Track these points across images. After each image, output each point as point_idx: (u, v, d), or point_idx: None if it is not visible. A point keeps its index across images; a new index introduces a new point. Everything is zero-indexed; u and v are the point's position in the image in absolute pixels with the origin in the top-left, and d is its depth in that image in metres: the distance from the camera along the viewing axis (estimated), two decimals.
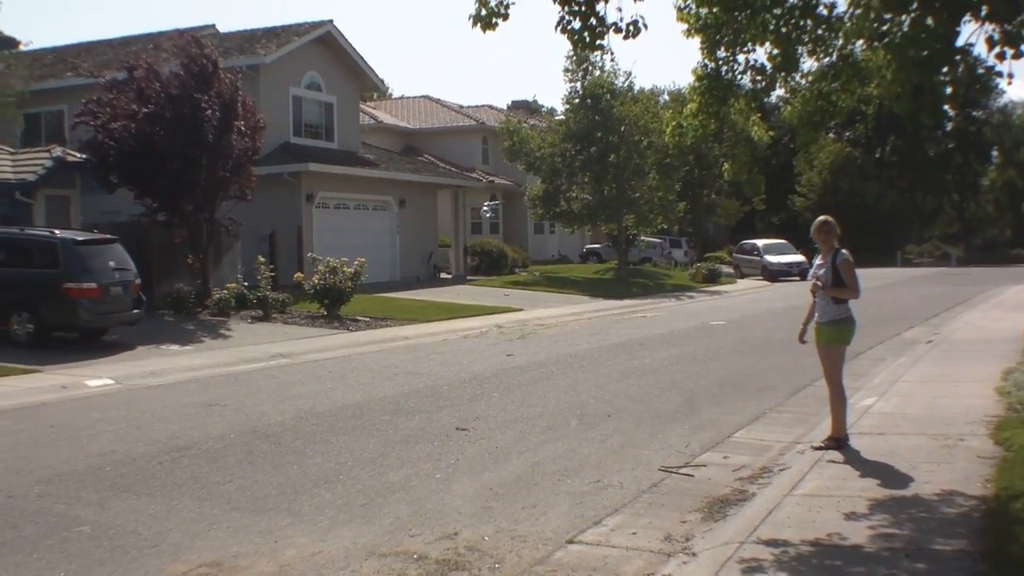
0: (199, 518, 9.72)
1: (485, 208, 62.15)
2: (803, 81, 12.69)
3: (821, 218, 12.47)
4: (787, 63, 11.53)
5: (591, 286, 49.91)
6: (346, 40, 47.01)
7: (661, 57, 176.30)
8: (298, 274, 34.66)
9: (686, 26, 11.96)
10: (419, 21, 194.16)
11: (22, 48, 40.64)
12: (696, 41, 11.80)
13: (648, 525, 9.31)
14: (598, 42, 10.57)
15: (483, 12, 10.56)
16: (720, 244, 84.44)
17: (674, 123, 13.38)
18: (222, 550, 8.69)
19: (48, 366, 20.09)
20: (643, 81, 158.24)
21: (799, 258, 63.01)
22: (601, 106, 54.00)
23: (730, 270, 65.45)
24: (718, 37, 11.61)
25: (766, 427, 14.21)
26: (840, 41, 11.81)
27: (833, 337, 12.24)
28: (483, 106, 74.87)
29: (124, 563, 8.40)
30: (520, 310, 36.48)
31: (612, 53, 14.32)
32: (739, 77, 12.05)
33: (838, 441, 12.06)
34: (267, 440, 13.35)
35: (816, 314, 12.37)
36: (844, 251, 12.14)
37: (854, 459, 11.41)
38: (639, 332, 28.34)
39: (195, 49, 31.87)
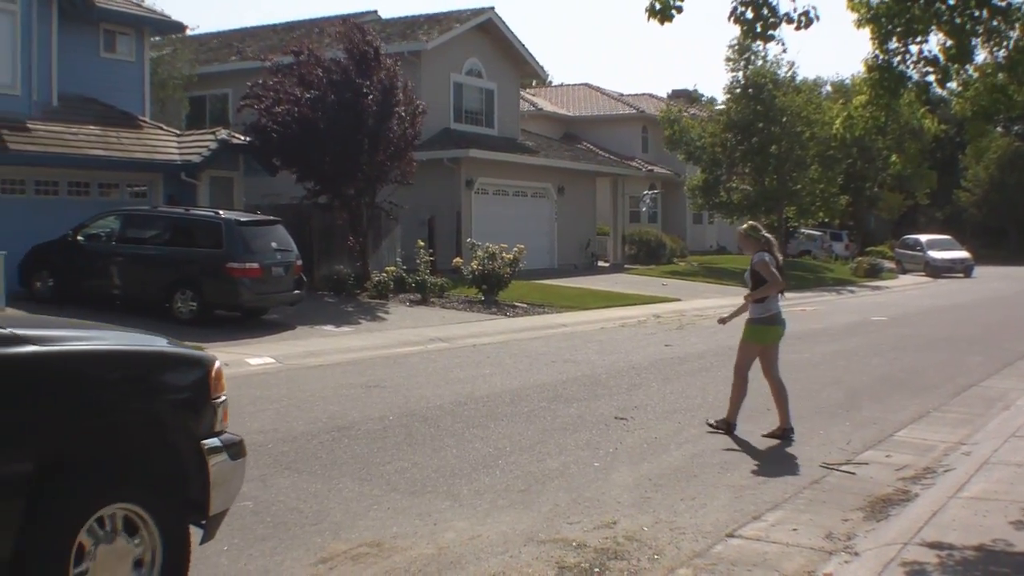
0: (359, 497, 9.84)
1: (644, 197, 61.91)
2: (975, 73, 12.40)
3: (741, 226, 13.84)
4: (961, 55, 11.24)
5: None
6: (507, 27, 47.20)
7: (825, 47, 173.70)
8: (456, 259, 34.92)
9: (856, 16, 11.74)
10: (580, 8, 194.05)
11: (188, 32, 41.48)
12: (866, 31, 11.57)
13: (809, 522, 9.18)
14: (769, 32, 10.44)
15: (658, 5, 10.48)
16: (881, 238, 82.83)
17: (844, 114, 13.17)
18: (382, 530, 8.79)
19: (210, 343, 20.53)
20: (806, 71, 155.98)
21: (963, 254, 61.70)
22: (763, 96, 53.41)
23: (891, 265, 64.21)
24: (890, 27, 11.35)
25: (929, 426, 13.92)
26: (1016, 33, 11.51)
27: (751, 336, 13.38)
28: (643, 94, 74.53)
29: (286, 539, 8.54)
30: (678, 300, 36.30)
31: (783, 44, 14.05)
32: (910, 69, 11.78)
33: (729, 425, 13.15)
34: (426, 423, 13.46)
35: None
36: (764, 253, 13.08)
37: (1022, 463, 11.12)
38: (799, 326, 27.89)
39: (357, 35, 32.24)
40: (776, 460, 11.62)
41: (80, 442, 6.13)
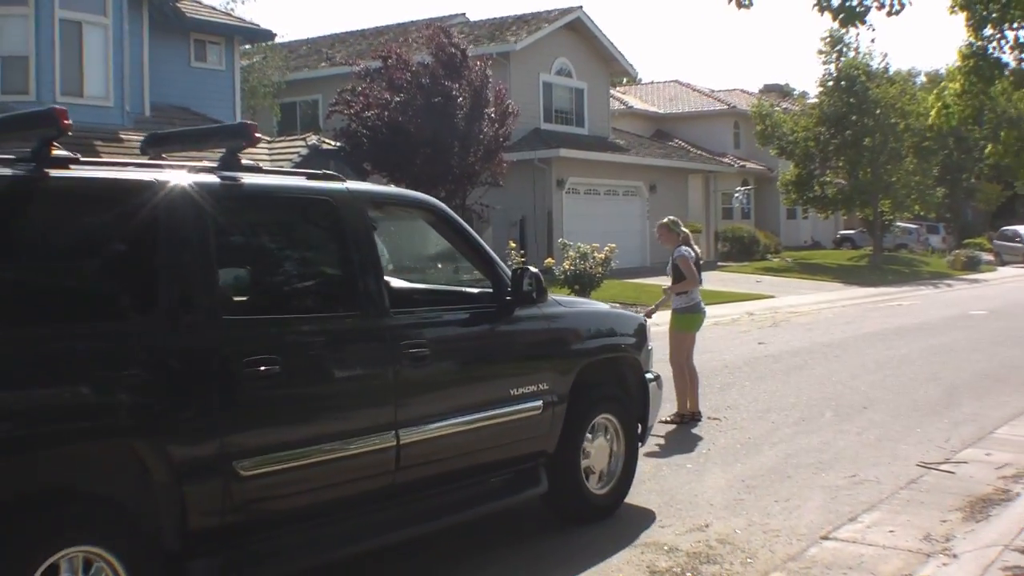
0: None
1: (736, 193, 61.44)
2: None
3: (661, 220, 14.42)
4: None
5: (845, 273, 48.93)
6: (595, 25, 47.10)
7: (918, 37, 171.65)
8: (548, 259, 34.85)
9: (950, 2, 11.54)
10: (669, 4, 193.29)
11: (278, 40, 41.88)
12: (961, 18, 11.36)
13: (906, 523, 8.99)
14: (857, 19, 10.29)
15: None
16: (979, 230, 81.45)
17: (940, 104, 12.94)
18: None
19: None
20: (899, 62, 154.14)
21: None
22: (856, 88, 52.86)
23: (990, 257, 63.15)
24: (985, 13, 11.12)
25: None
26: None
27: (680, 325, 13.90)
28: (734, 90, 74.04)
29: None
30: (772, 297, 35.96)
31: (873, 28, 13.88)
32: (1007, 55, 11.54)
33: (682, 416, 13.55)
34: None
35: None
36: (683, 247, 13.74)
37: None
38: (895, 321, 27.59)
39: (443, 38, 32.34)
40: (872, 460, 11.40)
41: (589, 371, 9.02)
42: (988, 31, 11.36)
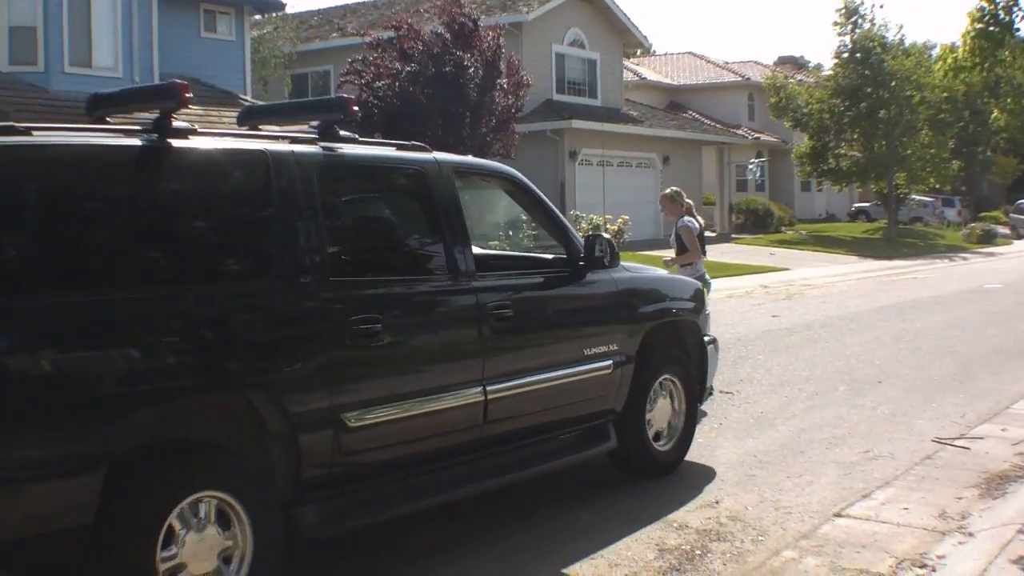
0: None
1: (750, 165, 61.16)
2: None
3: (664, 191, 14.19)
4: None
5: (859, 246, 48.72)
6: None
7: (934, 11, 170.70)
8: None
9: None
10: None
11: (289, 11, 41.67)
12: None
13: (921, 500, 8.80)
14: None
15: None
16: (995, 204, 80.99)
17: (952, 57, 12.68)
18: None
19: None
20: (915, 35, 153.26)
21: None
22: (871, 60, 52.56)
23: (1006, 231, 62.93)
24: None
25: None
26: None
27: None
28: (748, 62, 73.69)
29: None
30: (786, 269, 35.79)
31: None
32: (1018, 20, 11.27)
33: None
34: None
35: None
36: (686, 218, 13.53)
37: None
38: (910, 294, 27.37)
39: (454, 8, 32.08)
40: (887, 435, 11.21)
41: (653, 334, 9.46)
42: None
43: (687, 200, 13.96)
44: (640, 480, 9.38)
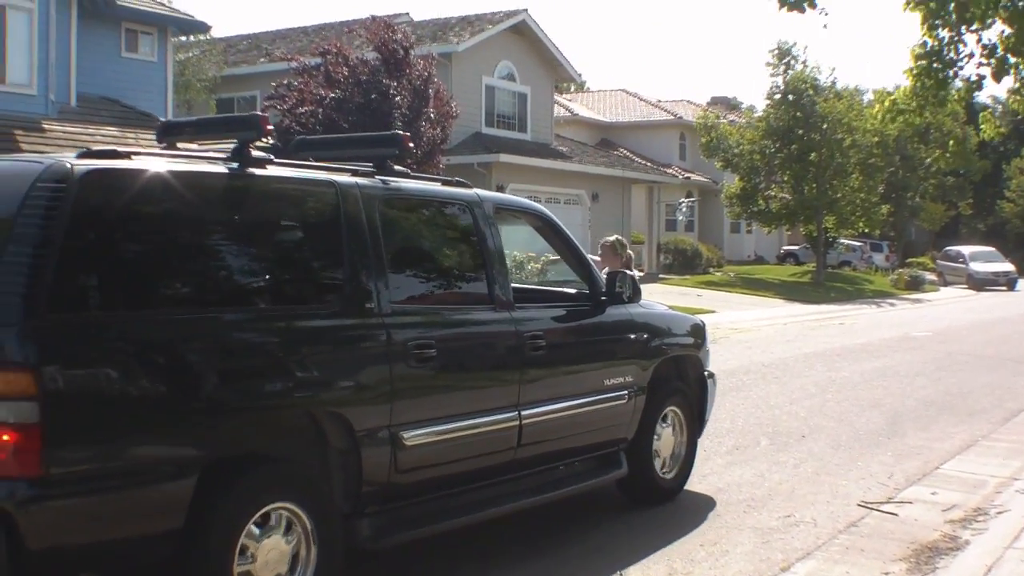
0: None
1: (680, 205, 60.80)
2: None
3: (607, 239, 13.90)
4: (1021, 44, 10.09)
5: (787, 289, 48.37)
6: (541, 29, 46.25)
7: (865, 57, 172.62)
8: None
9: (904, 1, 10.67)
10: (618, 12, 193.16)
11: (219, 35, 40.90)
12: (916, 17, 10.45)
13: (844, 575, 8.07)
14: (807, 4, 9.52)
15: None
16: (923, 249, 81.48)
17: (889, 100, 12.09)
18: None
19: None
20: (847, 80, 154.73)
21: (1008, 267, 60.58)
22: (803, 102, 52.32)
23: (933, 277, 63.03)
24: (942, 12, 10.21)
25: (979, 458, 12.69)
26: None
27: None
28: (681, 101, 73.56)
29: None
30: (712, 312, 35.15)
31: (827, 13, 12.91)
32: (962, 59, 10.64)
33: None
34: None
35: None
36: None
37: None
38: (837, 341, 26.80)
39: (387, 34, 31.37)
40: (810, 497, 10.46)
41: (661, 367, 10.12)
42: (943, 33, 10.47)
43: (629, 252, 13.71)
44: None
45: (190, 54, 44.32)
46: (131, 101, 30.65)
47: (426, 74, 31.51)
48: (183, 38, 39.88)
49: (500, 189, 40.19)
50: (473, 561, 8.22)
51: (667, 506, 10.04)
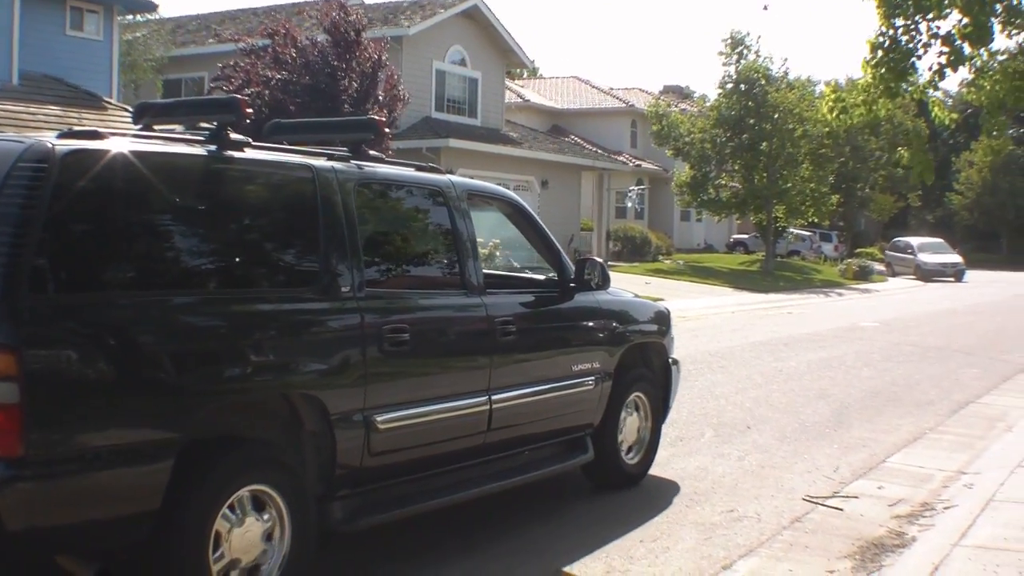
0: None
1: (630, 192, 60.69)
2: (992, 62, 11.07)
3: None
4: (978, 34, 9.90)
5: (736, 278, 48.30)
6: (493, 15, 45.87)
7: (818, 48, 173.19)
8: None
9: None
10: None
11: (168, 15, 40.34)
12: (872, 7, 10.25)
13: (788, 573, 7.84)
14: None
15: None
16: (871, 240, 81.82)
17: (834, 96, 11.89)
18: None
19: None
20: (800, 71, 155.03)
21: (955, 258, 60.84)
22: (755, 92, 52.25)
23: (881, 267, 63.36)
24: (898, 1, 10.01)
25: (926, 450, 12.54)
26: None
27: None
28: (634, 89, 73.46)
29: None
30: (661, 300, 34.92)
31: None
32: (920, 49, 10.44)
33: None
34: None
35: None
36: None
37: None
38: (784, 330, 26.68)
39: (339, 15, 30.96)
40: (754, 491, 10.24)
41: (627, 354, 10.20)
42: (900, 22, 10.25)
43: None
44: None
45: (138, 34, 43.66)
46: (76, 80, 30.03)
47: (376, 57, 31.09)
48: (130, 17, 39.26)
49: (449, 174, 39.93)
50: (392, 562, 7.95)
51: (611, 498, 9.84)
